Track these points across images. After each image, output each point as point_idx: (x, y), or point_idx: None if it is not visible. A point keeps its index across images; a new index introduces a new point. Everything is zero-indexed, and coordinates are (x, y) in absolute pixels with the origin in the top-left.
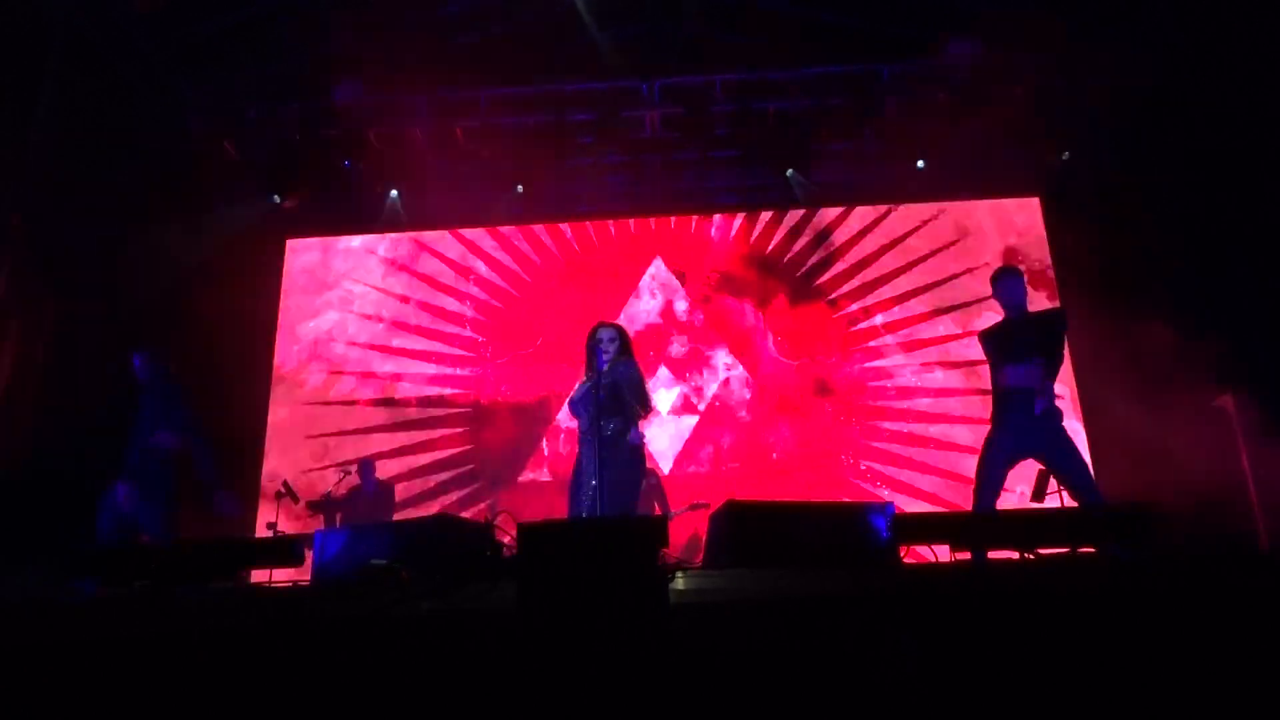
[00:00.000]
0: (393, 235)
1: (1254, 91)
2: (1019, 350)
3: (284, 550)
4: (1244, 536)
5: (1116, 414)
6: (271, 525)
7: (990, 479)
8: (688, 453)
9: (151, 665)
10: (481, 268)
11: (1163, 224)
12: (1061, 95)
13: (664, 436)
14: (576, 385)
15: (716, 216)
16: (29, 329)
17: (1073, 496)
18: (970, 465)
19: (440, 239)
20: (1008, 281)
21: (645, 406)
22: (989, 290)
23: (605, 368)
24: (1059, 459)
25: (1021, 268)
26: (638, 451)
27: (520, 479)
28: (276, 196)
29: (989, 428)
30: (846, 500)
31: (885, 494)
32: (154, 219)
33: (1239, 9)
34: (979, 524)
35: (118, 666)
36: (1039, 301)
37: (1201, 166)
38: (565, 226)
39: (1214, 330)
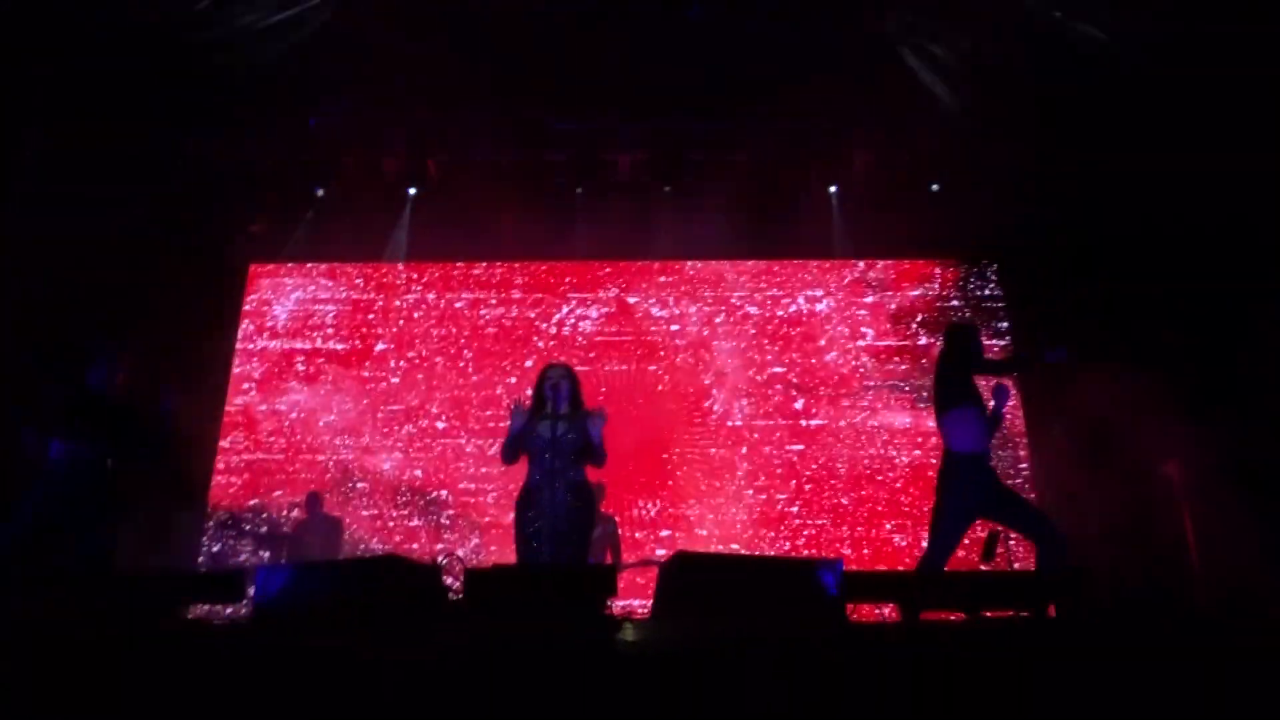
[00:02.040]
0: (362, 266)
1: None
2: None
3: (226, 585)
4: (1184, 595)
5: (1065, 479)
6: (211, 559)
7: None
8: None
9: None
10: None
11: (1115, 293)
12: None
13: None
14: (518, 423)
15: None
16: None
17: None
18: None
19: (409, 272)
20: (965, 334)
21: (601, 460)
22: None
23: (564, 410)
24: (1009, 512)
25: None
26: (592, 499)
27: (474, 519)
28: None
29: (946, 489)
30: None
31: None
32: (116, 227)
33: None
34: (922, 585)
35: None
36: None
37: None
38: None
39: (1163, 398)
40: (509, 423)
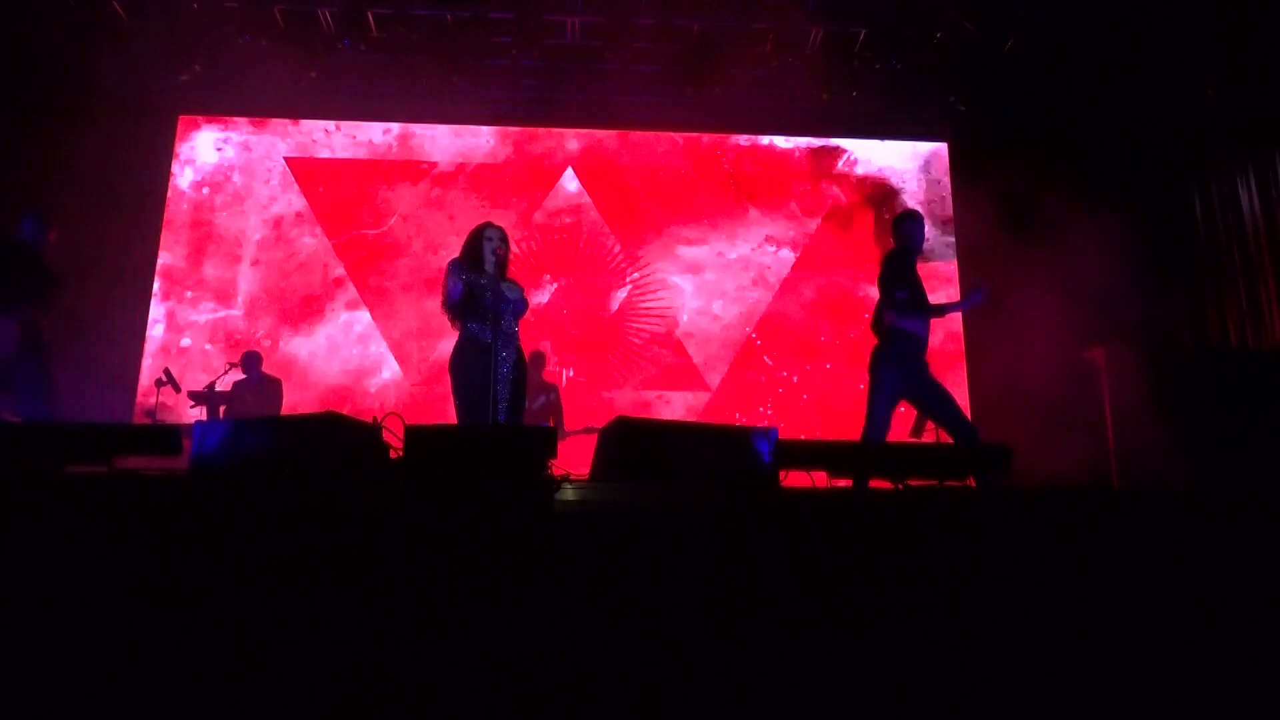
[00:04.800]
0: (291, 123)
1: (1156, 56)
2: (919, 295)
3: (162, 439)
4: (1101, 476)
5: (996, 362)
6: (150, 413)
7: (884, 417)
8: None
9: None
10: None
11: (1056, 182)
12: (975, 42)
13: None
14: (452, 280)
15: (632, 133)
16: None
17: (950, 434)
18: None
19: (345, 129)
20: (914, 224)
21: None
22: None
23: (491, 269)
24: (936, 401)
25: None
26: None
27: (411, 381)
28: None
29: (882, 367)
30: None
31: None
32: (39, 82)
33: None
34: (856, 453)
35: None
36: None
37: (1098, 128)
38: (482, 129)
39: (1093, 288)
40: (447, 280)
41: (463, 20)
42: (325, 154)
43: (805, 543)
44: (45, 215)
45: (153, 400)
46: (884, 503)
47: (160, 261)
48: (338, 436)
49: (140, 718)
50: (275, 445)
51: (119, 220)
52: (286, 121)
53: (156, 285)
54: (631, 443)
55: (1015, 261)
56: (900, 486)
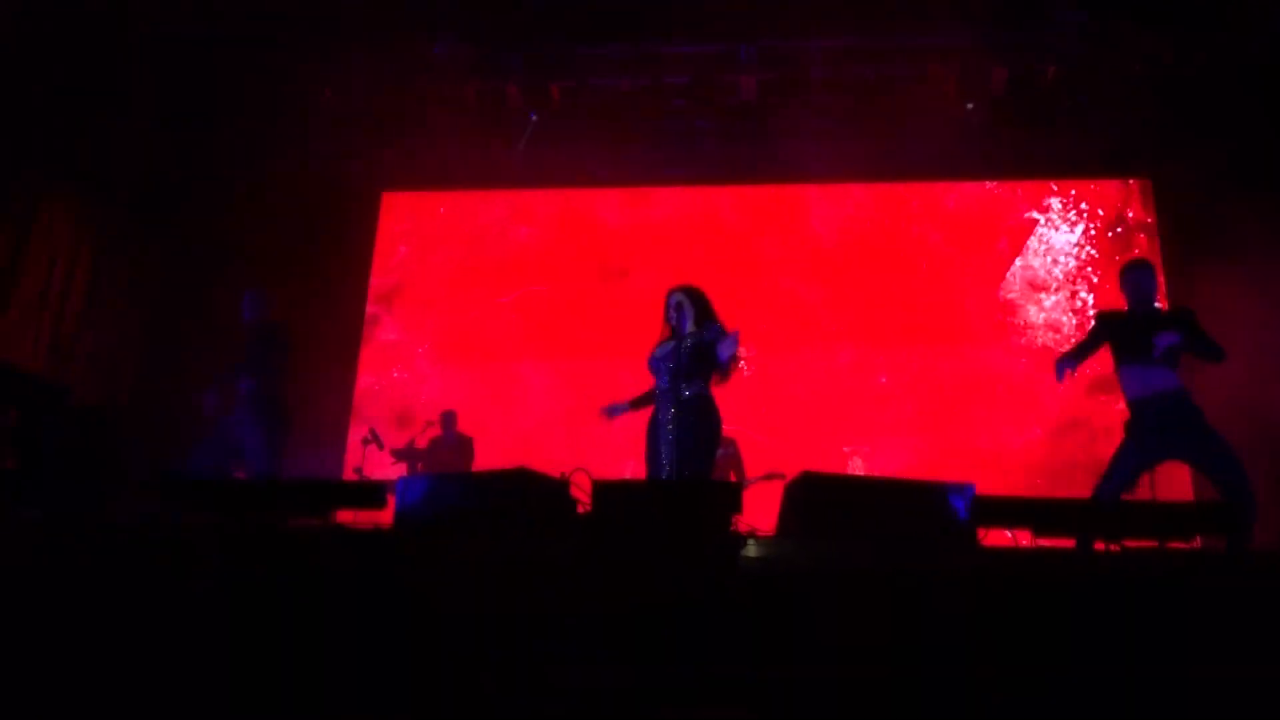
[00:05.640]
0: (487, 193)
1: None
2: (1139, 350)
3: (369, 494)
4: None
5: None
6: (358, 470)
7: (1115, 478)
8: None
9: (250, 595)
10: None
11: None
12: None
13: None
14: (656, 345)
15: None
16: (136, 267)
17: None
18: None
19: (534, 198)
20: (1141, 273)
21: (725, 374)
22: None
23: (687, 330)
24: (1201, 459)
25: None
26: (713, 415)
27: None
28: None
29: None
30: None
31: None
32: (256, 164)
33: None
34: (1064, 511)
35: (219, 597)
36: None
37: None
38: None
39: None
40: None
41: (638, 87)
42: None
43: (1006, 608)
44: (263, 292)
45: (358, 459)
46: (1099, 565)
47: (364, 330)
48: (528, 490)
49: None
50: (471, 498)
51: (328, 292)
52: (480, 192)
53: (360, 352)
54: (817, 498)
55: (1226, 298)
56: (1117, 547)
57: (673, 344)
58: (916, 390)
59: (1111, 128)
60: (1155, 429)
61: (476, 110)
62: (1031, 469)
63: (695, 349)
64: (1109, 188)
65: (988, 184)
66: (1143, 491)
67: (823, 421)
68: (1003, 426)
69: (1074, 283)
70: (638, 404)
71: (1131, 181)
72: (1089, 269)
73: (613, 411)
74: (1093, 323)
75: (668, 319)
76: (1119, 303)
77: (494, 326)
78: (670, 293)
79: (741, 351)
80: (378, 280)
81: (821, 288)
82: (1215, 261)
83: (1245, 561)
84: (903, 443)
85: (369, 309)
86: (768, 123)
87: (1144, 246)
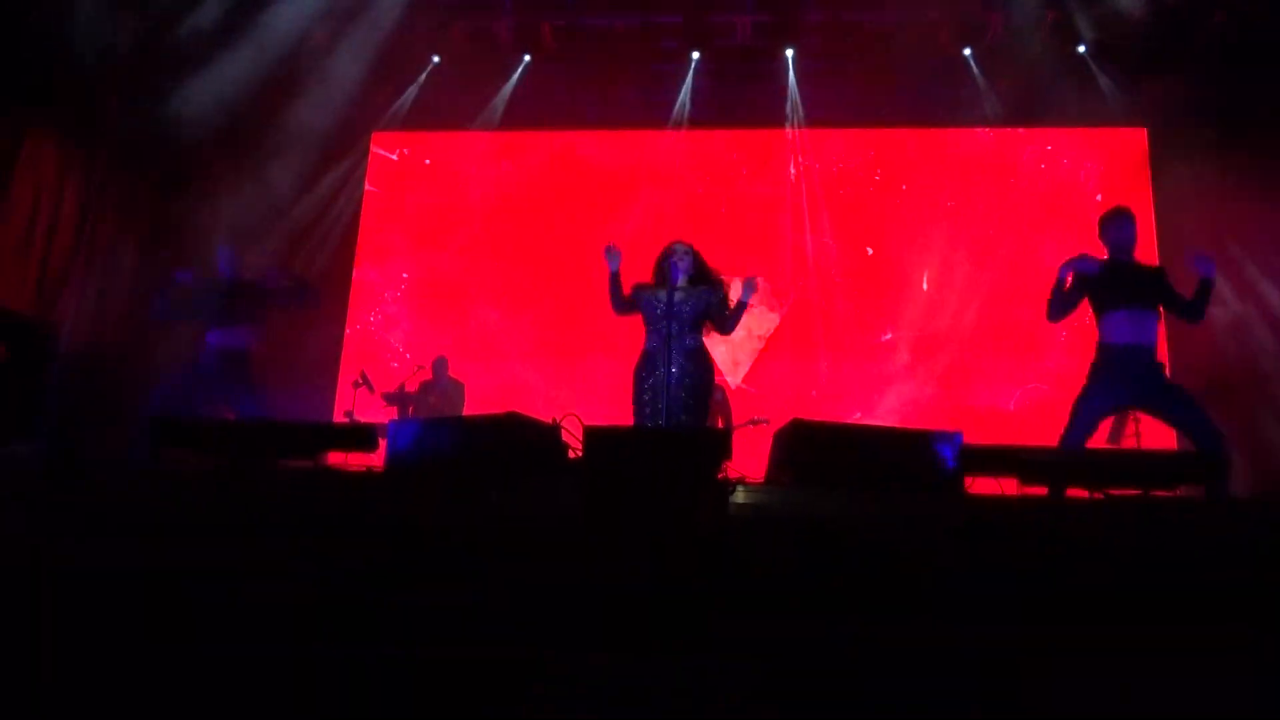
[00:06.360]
0: (479, 133)
1: None
2: (1130, 297)
3: (361, 436)
4: None
5: (1205, 372)
6: (348, 413)
7: (1081, 425)
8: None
9: (237, 533)
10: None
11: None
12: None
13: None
14: (645, 287)
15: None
16: (125, 204)
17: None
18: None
19: (528, 140)
20: (1121, 222)
21: (730, 326)
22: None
23: (680, 282)
24: (1173, 409)
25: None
26: (712, 366)
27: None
28: None
29: (1087, 378)
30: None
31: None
32: (245, 103)
33: None
34: (1049, 459)
35: (208, 534)
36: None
37: None
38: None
39: None
40: (609, 265)
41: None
42: (504, 162)
43: (992, 555)
44: (233, 243)
45: (349, 403)
46: (1083, 513)
47: (355, 274)
48: (519, 435)
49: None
50: (461, 443)
51: (317, 237)
52: (471, 133)
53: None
54: (806, 446)
55: (1219, 252)
56: (1100, 495)
57: (668, 294)
58: (915, 345)
59: (1107, 76)
60: (1134, 377)
61: (466, 50)
62: (1030, 426)
63: (695, 301)
64: (1105, 135)
65: (983, 130)
66: (1128, 442)
67: (816, 376)
68: (1000, 384)
69: (1065, 232)
70: (618, 279)
71: (1128, 130)
72: (1085, 217)
73: (613, 259)
74: (1063, 272)
75: (660, 266)
76: (1100, 252)
77: (481, 269)
78: (675, 243)
79: (753, 300)
80: (366, 222)
81: (815, 235)
82: (1209, 211)
83: (1224, 508)
84: (902, 397)
85: (358, 251)
86: (760, 65)
87: (1137, 196)
